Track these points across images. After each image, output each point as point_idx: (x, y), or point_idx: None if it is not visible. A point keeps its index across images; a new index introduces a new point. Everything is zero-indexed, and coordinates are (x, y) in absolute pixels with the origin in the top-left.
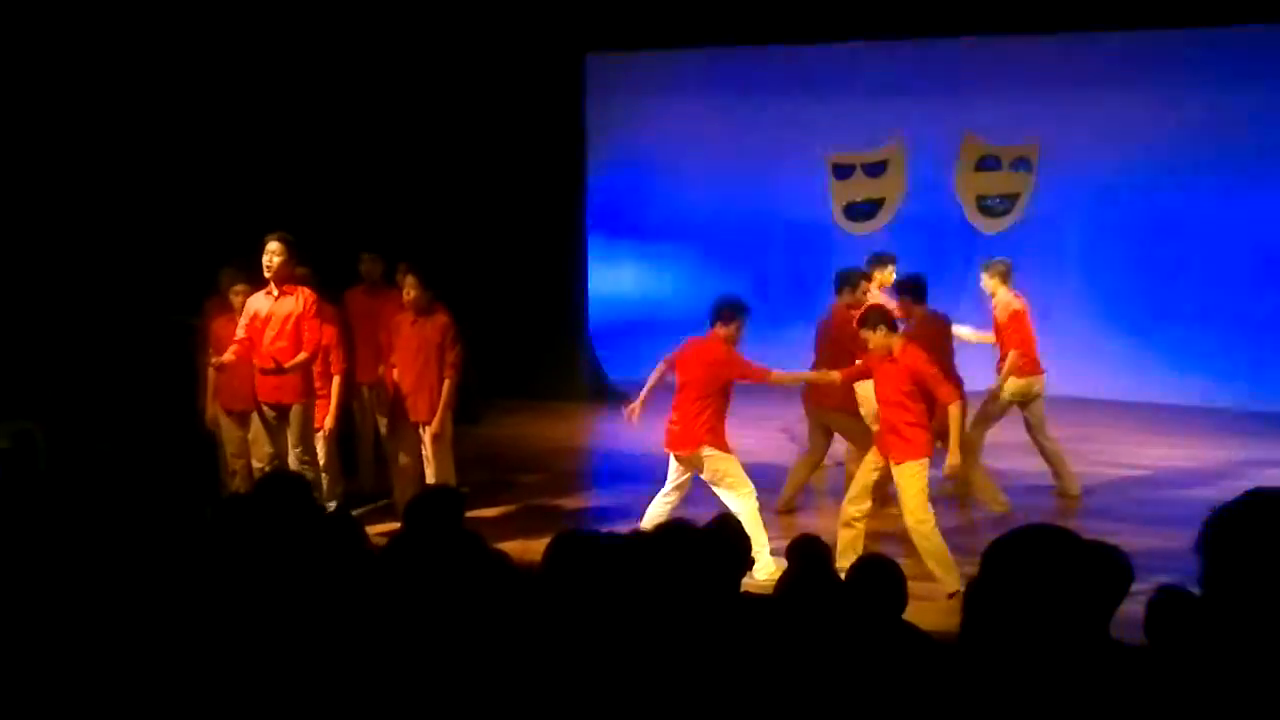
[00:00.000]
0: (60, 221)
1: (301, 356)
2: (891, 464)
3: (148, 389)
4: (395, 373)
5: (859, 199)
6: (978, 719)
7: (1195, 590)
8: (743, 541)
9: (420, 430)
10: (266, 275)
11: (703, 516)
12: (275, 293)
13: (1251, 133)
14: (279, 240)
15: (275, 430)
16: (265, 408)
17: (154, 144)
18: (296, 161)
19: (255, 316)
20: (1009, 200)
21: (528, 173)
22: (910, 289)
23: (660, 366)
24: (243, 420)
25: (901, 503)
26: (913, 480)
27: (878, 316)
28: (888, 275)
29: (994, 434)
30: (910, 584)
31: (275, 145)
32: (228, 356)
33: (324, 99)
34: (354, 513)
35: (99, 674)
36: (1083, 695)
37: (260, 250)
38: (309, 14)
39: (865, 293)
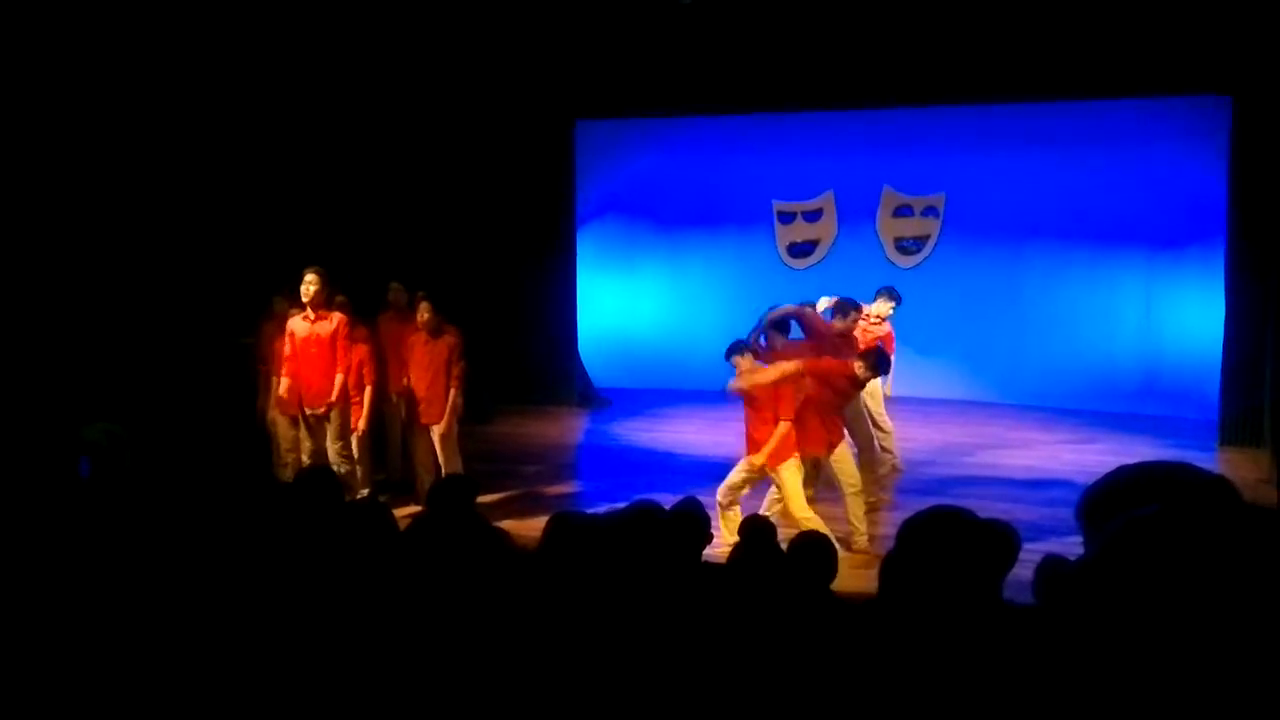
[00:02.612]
0: (135, 265)
1: (339, 380)
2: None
3: (213, 397)
4: (410, 382)
5: (799, 240)
6: (893, 670)
7: (1073, 558)
8: (704, 520)
9: (430, 431)
10: (305, 301)
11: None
12: (312, 316)
13: (1113, 191)
14: (315, 272)
15: (316, 430)
16: (307, 411)
17: (220, 201)
18: (337, 210)
19: (294, 336)
20: (920, 241)
21: (530, 218)
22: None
23: None
24: (294, 421)
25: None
26: (791, 477)
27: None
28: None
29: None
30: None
31: (321, 199)
32: (283, 391)
33: (361, 159)
34: (382, 498)
35: (178, 620)
36: (980, 648)
37: (299, 280)
38: (354, 94)
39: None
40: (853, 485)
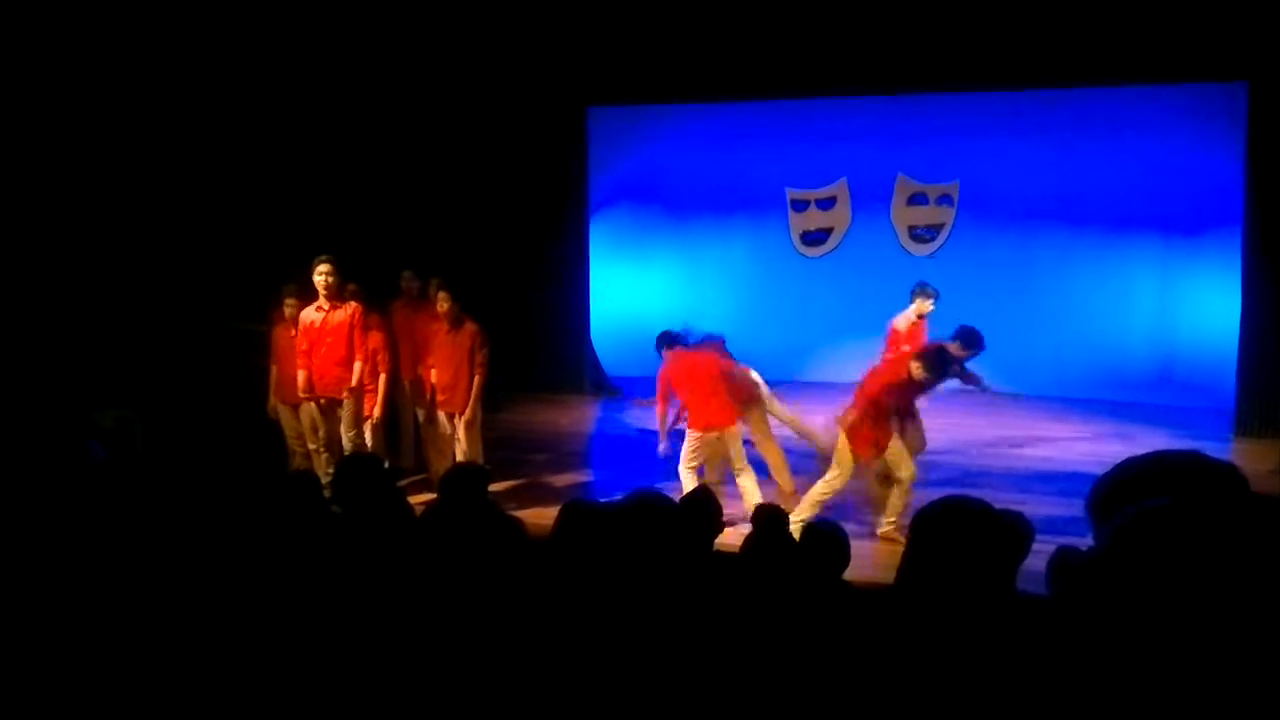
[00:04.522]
0: (147, 256)
1: (357, 368)
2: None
3: (223, 385)
4: (433, 373)
5: (813, 228)
6: (906, 660)
7: (1085, 549)
8: (716, 510)
9: (454, 419)
10: (323, 292)
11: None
12: (326, 306)
13: (1129, 179)
14: (329, 261)
15: (329, 418)
16: (320, 400)
17: (232, 189)
18: (349, 198)
19: (311, 327)
20: (935, 229)
21: (542, 204)
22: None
23: None
24: (296, 411)
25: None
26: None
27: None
28: (926, 305)
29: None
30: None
31: (333, 187)
32: (301, 385)
33: (373, 147)
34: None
35: (197, 600)
36: (993, 638)
37: (310, 269)
38: (367, 81)
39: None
40: (910, 478)
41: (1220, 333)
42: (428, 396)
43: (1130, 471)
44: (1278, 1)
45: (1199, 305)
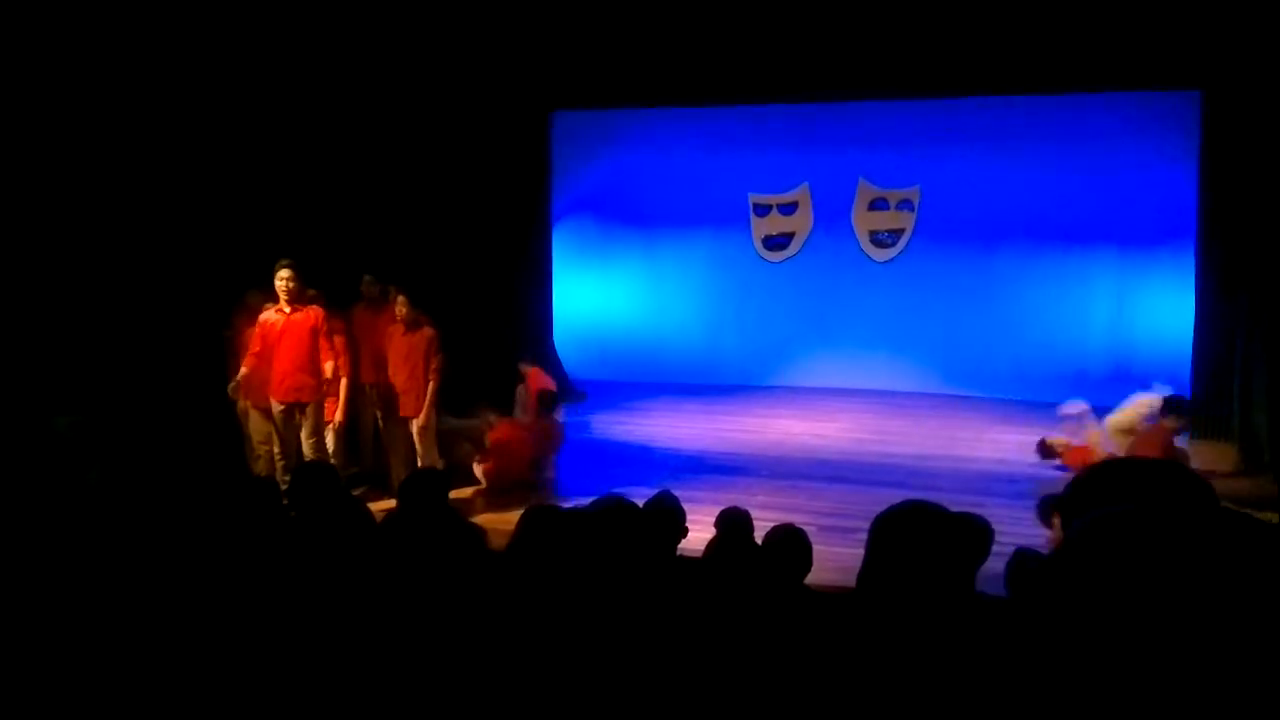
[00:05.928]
0: (111, 259)
1: (328, 367)
2: None
3: (188, 389)
4: (388, 376)
5: (775, 233)
6: (867, 662)
7: (1042, 552)
8: (679, 514)
9: (409, 423)
10: (284, 296)
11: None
12: (288, 310)
13: (1086, 187)
14: (290, 266)
15: (288, 424)
16: (279, 405)
17: (193, 193)
18: (309, 202)
19: (272, 329)
20: (895, 234)
21: (505, 209)
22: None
23: None
24: (266, 414)
25: None
26: None
27: None
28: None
29: None
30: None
31: (293, 191)
32: (234, 388)
33: (333, 151)
34: (356, 491)
35: (149, 604)
36: (953, 640)
37: (271, 273)
38: (326, 85)
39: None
40: None
41: (1175, 337)
42: (387, 400)
43: (1100, 475)
44: (1231, 11)
45: (1154, 309)
